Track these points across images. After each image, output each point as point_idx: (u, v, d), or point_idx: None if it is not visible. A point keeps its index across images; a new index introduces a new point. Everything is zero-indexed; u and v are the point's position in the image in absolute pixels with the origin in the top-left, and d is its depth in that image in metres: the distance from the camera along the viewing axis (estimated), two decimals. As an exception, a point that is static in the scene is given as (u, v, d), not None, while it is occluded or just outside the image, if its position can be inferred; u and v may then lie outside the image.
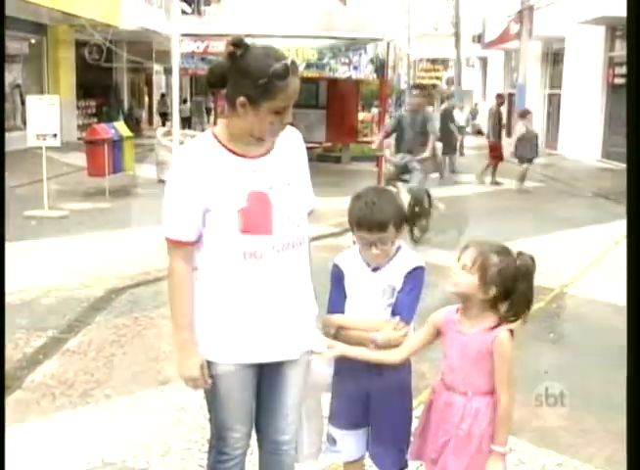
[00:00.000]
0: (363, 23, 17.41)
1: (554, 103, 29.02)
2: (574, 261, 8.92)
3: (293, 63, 2.50)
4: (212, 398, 2.77)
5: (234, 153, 2.61)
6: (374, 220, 2.80)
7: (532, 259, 2.66)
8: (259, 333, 2.65)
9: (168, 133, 15.18)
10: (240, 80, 2.49)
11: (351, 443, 3.04)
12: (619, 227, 11.54)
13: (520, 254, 2.66)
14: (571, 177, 18.26)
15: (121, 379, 4.98)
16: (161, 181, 14.60)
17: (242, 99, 2.49)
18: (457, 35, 39.92)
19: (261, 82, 2.45)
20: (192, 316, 2.64)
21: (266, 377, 2.78)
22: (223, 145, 2.61)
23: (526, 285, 2.62)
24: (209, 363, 2.66)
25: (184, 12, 23.45)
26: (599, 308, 6.98)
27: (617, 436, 4.29)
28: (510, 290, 2.61)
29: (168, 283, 2.68)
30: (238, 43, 2.50)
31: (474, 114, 36.55)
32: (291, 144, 2.76)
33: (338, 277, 2.98)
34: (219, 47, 15.24)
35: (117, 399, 4.64)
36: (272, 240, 2.60)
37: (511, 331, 2.65)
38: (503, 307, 2.66)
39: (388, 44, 15.75)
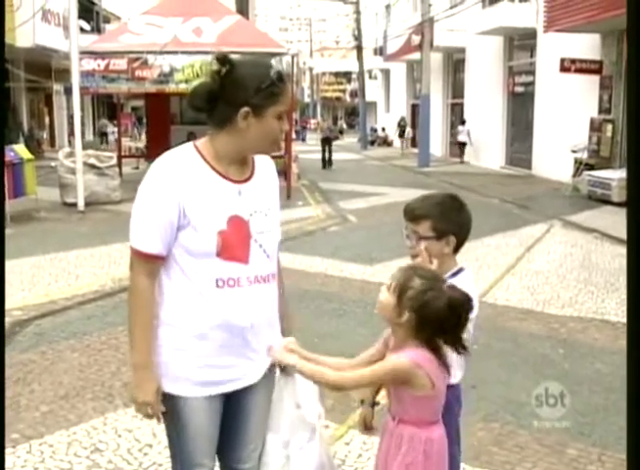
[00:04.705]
0: (267, 38, 17.38)
1: (456, 112, 29.63)
2: (490, 270, 8.97)
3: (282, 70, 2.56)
4: (178, 432, 2.62)
5: (218, 172, 2.50)
6: (409, 207, 2.80)
7: (465, 296, 2.41)
8: (227, 361, 2.54)
9: (71, 154, 14.72)
10: (238, 92, 2.41)
11: None
12: (529, 233, 11.82)
13: (452, 286, 2.43)
14: (477, 185, 18.55)
15: (29, 421, 4.63)
16: (66, 204, 14.16)
17: (245, 109, 2.41)
18: (359, 48, 40.42)
19: (264, 86, 2.41)
20: (152, 338, 2.51)
21: (229, 405, 2.67)
22: (207, 162, 2.50)
23: (447, 320, 2.38)
24: (176, 398, 2.54)
25: (83, 29, 22.86)
26: (518, 317, 7.00)
27: (550, 449, 4.27)
28: (427, 320, 2.38)
29: (129, 300, 2.51)
30: (223, 60, 2.42)
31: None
32: (267, 172, 2.69)
33: None
34: (121, 65, 14.93)
35: (25, 445, 4.29)
36: (247, 270, 2.50)
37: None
38: (429, 337, 2.44)
39: (293, 58, 15.74)
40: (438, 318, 2.37)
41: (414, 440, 2.47)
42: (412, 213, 2.79)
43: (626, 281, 2.42)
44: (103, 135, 35.31)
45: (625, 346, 6.27)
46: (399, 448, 2.49)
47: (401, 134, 35.55)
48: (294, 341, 2.69)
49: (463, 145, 27.26)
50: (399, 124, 35.90)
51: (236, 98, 2.41)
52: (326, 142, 26.05)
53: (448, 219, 2.75)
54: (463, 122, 27.33)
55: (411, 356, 2.40)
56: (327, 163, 25.59)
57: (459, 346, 2.46)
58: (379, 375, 2.45)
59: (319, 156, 26.39)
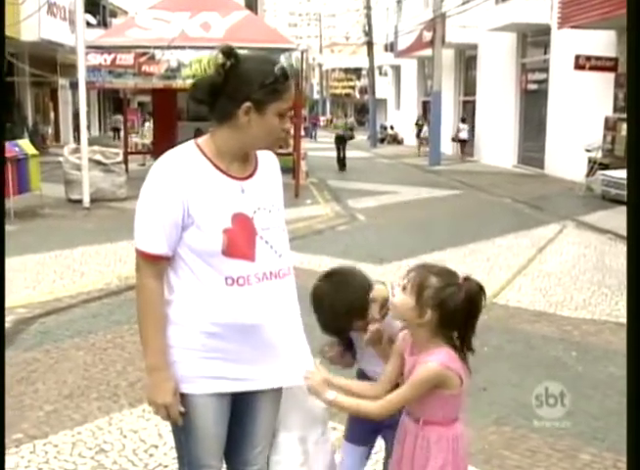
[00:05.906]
0: (276, 33, 17.31)
1: (468, 109, 29.48)
2: (501, 271, 8.87)
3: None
4: (186, 433, 2.59)
5: (220, 170, 2.48)
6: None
7: (480, 286, 2.45)
8: (238, 361, 2.52)
9: (76, 150, 14.66)
10: (242, 87, 2.40)
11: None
12: (542, 233, 11.68)
13: (466, 278, 2.46)
14: (489, 184, 18.43)
15: (33, 421, 4.55)
16: (71, 200, 14.09)
17: (247, 104, 2.40)
18: (369, 44, 40.31)
19: (268, 82, 2.40)
20: (164, 338, 2.49)
21: (237, 407, 2.64)
22: (209, 159, 2.48)
23: (467, 312, 2.43)
24: (184, 396, 2.52)
25: (89, 24, 22.83)
26: (531, 319, 6.90)
27: (563, 454, 4.20)
28: (449, 316, 2.42)
29: (138, 302, 2.49)
30: (229, 53, 2.41)
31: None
32: (271, 168, 2.67)
33: None
34: (127, 59, 14.86)
35: (29, 445, 4.21)
36: (254, 268, 2.47)
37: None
38: (448, 334, 2.48)
39: (302, 53, 15.64)
40: (460, 312, 2.41)
41: (442, 441, 2.49)
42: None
43: (627, 281, 2.38)
44: (115, 131, 35.39)
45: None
46: (428, 451, 2.50)
47: (419, 134, 32.87)
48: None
49: (464, 142, 27.83)
50: (417, 124, 34.07)
51: (239, 92, 2.40)
52: (340, 141, 24.03)
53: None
54: (464, 120, 28.20)
55: (439, 359, 2.42)
56: (341, 164, 23.73)
57: (472, 337, 2.49)
58: (417, 388, 2.44)
59: (330, 154, 25.75)
